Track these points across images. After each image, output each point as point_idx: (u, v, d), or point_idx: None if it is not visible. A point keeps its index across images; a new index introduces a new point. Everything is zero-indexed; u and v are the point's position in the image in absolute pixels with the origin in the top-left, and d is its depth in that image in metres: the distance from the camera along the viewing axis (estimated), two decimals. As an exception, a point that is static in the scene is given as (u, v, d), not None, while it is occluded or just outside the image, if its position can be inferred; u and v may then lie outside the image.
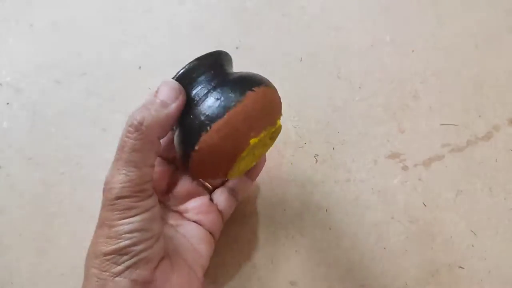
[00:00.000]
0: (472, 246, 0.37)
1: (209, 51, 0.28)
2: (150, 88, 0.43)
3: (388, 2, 0.46)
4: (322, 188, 0.39)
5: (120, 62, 0.44)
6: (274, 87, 0.29)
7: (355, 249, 0.38)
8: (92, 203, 0.40)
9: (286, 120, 0.42)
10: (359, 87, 0.42)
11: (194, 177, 0.33)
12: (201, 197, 0.33)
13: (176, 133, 0.29)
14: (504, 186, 0.39)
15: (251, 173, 0.35)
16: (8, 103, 0.43)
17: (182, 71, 0.28)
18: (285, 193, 0.39)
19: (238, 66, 0.44)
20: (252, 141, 0.27)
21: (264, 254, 0.38)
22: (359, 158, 0.40)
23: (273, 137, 0.30)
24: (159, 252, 0.27)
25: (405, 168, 0.40)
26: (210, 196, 0.34)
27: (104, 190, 0.26)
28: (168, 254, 0.28)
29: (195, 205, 0.33)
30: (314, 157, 0.41)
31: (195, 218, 0.32)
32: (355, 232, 0.38)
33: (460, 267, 0.37)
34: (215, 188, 0.35)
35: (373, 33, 0.44)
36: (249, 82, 0.27)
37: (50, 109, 0.43)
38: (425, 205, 0.39)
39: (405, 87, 0.42)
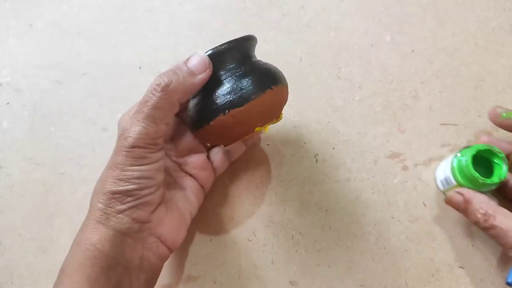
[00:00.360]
0: (472, 245, 0.37)
1: (243, 36, 0.31)
2: (150, 88, 0.43)
3: (388, 2, 0.46)
4: (322, 188, 0.40)
5: (120, 62, 0.44)
6: (287, 84, 0.32)
7: (355, 249, 0.38)
8: (92, 203, 0.40)
9: (286, 120, 0.42)
10: (359, 87, 0.42)
11: (198, 139, 0.35)
12: (200, 154, 0.36)
13: (195, 100, 0.32)
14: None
15: (247, 140, 0.39)
16: (8, 103, 0.43)
17: (215, 50, 0.30)
18: (285, 193, 0.39)
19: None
20: (257, 129, 0.31)
21: (264, 254, 0.38)
22: (359, 158, 0.40)
23: (273, 123, 0.34)
24: (158, 198, 0.30)
25: (405, 168, 0.40)
26: (207, 154, 0.37)
27: (120, 137, 0.29)
28: (164, 200, 0.32)
29: (193, 160, 0.35)
30: (314, 157, 0.41)
31: (191, 172, 0.35)
32: (355, 232, 0.38)
33: (460, 267, 0.37)
34: (212, 147, 0.38)
35: (373, 33, 0.44)
36: (270, 79, 0.30)
37: (50, 109, 0.43)
38: (425, 205, 0.39)
39: (405, 87, 0.42)
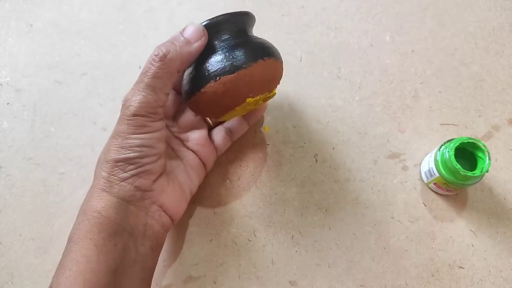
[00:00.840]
0: (472, 245, 0.37)
1: (239, 10, 0.32)
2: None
3: (388, 2, 0.46)
4: (322, 188, 0.40)
5: (120, 62, 0.44)
6: (282, 60, 0.33)
7: (355, 249, 0.38)
8: (92, 203, 0.40)
9: (286, 120, 0.42)
10: (359, 87, 0.42)
11: (191, 110, 0.35)
12: (202, 130, 0.37)
13: (189, 70, 0.32)
14: (504, 186, 0.39)
15: (249, 117, 0.39)
16: (8, 103, 0.43)
17: (211, 21, 0.31)
18: (285, 193, 0.39)
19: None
20: (248, 100, 0.31)
21: (264, 254, 0.38)
22: (359, 158, 0.40)
23: (266, 99, 0.34)
24: (159, 168, 0.31)
25: (405, 168, 0.40)
26: (209, 131, 0.38)
27: (123, 106, 0.30)
28: (166, 172, 0.33)
29: (195, 136, 0.37)
30: (314, 157, 0.41)
31: (193, 148, 0.37)
32: (355, 232, 0.38)
33: (460, 267, 0.37)
34: (215, 125, 0.39)
35: (373, 33, 0.44)
36: (263, 51, 0.31)
37: (50, 109, 0.43)
38: (425, 205, 0.39)
39: (405, 87, 0.42)
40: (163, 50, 0.29)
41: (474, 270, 0.37)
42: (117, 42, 0.45)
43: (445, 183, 0.36)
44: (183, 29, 0.31)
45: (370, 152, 0.40)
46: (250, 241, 0.38)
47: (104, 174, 0.30)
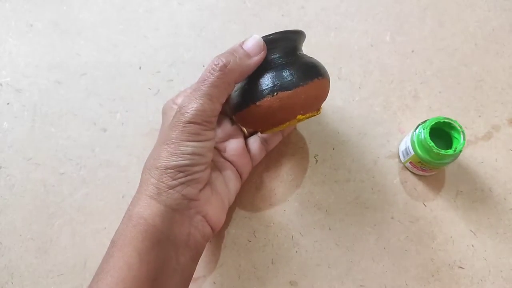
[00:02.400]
0: (472, 246, 0.37)
1: (294, 29, 0.32)
2: (150, 89, 0.43)
3: (388, 2, 0.46)
4: (322, 188, 0.40)
5: (120, 62, 0.44)
6: (329, 79, 0.34)
7: (355, 249, 0.38)
8: (92, 203, 0.40)
9: (286, 120, 0.42)
10: (359, 87, 0.42)
11: (238, 122, 0.36)
12: (238, 139, 0.37)
13: (241, 83, 0.33)
14: (504, 186, 0.39)
15: (285, 130, 0.39)
16: (8, 103, 0.43)
17: (270, 36, 0.31)
18: (286, 193, 0.39)
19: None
20: (299, 117, 0.32)
21: (264, 254, 0.38)
22: (359, 158, 0.40)
23: (312, 117, 0.34)
24: (206, 177, 0.32)
25: (405, 168, 0.40)
26: (245, 141, 0.38)
27: (177, 113, 0.30)
28: (210, 182, 0.33)
29: (232, 147, 0.36)
30: (314, 157, 0.41)
31: (230, 158, 0.36)
32: (355, 232, 0.38)
33: (460, 267, 0.37)
34: (250, 134, 0.39)
35: (373, 33, 0.44)
36: (317, 71, 0.32)
37: (50, 109, 0.43)
38: (425, 205, 0.39)
39: (405, 87, 0.42)
40: (223, 60, 0.30)
41: (474, 270, 0.37)
42: (117, 42, 0.45)
43: (420, 162, 0.36)
44: (243, 42, 0.31)
45: (370, 152, 0.40)
46: (250, 241, 0.38)
47: (152, 180, 0.29)
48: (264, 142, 0.38)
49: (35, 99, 0.43)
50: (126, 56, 0.44)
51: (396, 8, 0.45)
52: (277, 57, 0.32)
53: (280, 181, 0.40)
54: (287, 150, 0.41)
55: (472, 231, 0.38)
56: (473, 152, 0.40)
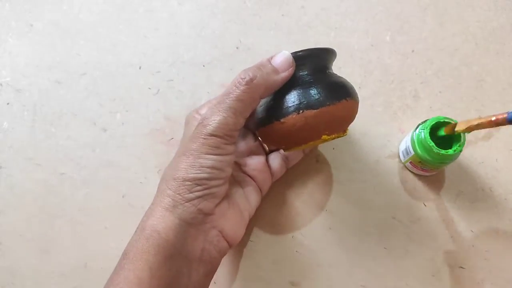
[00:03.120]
0: (473, 246, 0.37)
1: (325, 46, 0.32)
2: (150, 88, 0.43)
3: (388, 2, 0.46)
4: (322, 188, 0.39)
5: (120, 62, 0.44)
6: (359, 101, 0.33)
7: (355, 249, 0.38)
8: (92, 203, 0.40)
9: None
10: (359, 87, 0.42)
11: (261, 138, 0.35)
12: (259, 156, 0.37)
13: (267, 98, 0.32)
14: (504, 186, 0.39)
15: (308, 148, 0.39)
16: (8, 103, 0.43)
17: (300, 53, 0.31)
18: (286, 193, 0.39)
19: (238, 66, 0.44)
20: (324, 137, 0.31)
21: (265, 255, 0.38)
22: (360, 158, 0.40)
23: (337, 138, 0.33)
24: (223, 192, 0.31)
25: (405, 168, 0.40)
26: (266, 157, 0.37)
27: (199, 125, 0.29)
28: (226, 197, 0.32)
29: (252, 162, 0.36)
30: (315, 157, 0.40)
31: (251, 173, 0.36)
32: (355, 232, 0.38)
33: (461, 267, 0.37)
34: (271, 151, 0.38)
35: (373, 33, 0.44)
36: (346, 91, 0.31)
37: (50, 109, 0.43)
38: (425, 205, 0.39)
39: (405, 87, 0.42)
40: (250, 75, 0.29)
41: (475, 270, 0.37)
42: (117, 42, 0.45)
43: (420, 162, 0.36)
44: (272, 57, 0.31)
45: (371, 153, 0.40)
46: (252, 241, 0.38)
47: (169, 192, 0.29)
48: (286, 159, 0.38)
49: (35, 99, 0.43)
50: (126, 56, 0.44)
51: (396, 8, 0.45)
52: (305, 75, 0.31)
53: (281, 182, 0.40)
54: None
55: (472, 231, 0.38)
56: (473, 152, 0.40)
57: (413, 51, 0.44)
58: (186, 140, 0.30)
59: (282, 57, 0.30)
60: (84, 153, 0.41)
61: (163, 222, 0.28)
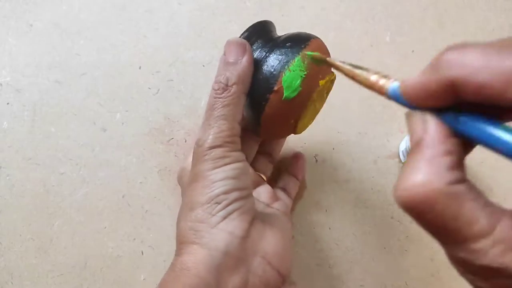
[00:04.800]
0: (472, 246, 0.37)
1: (256, 21, 0.31)
2: (150, 88, 0.43)
3: (388, 2, 0.46)
4: (322, 188, 0.39)
5: (120, 62, 0.44)
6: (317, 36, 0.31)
7: (355, 249, 0.38)
8: (92, 203, 0.40)
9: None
10: (359, 87, 0.42)
11: (265, 128, 0.31)
12: (264, 185, 0.34)
13: (249, 91, 0.30)
14: (504, 186, 0.39)
15: (296, 173, 0.38)
16: (8, 103, 0.43)
17: (246, 32, 0.30)
18: (285, 193, 0.39)
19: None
20: (320, 82, 0.29)
21: (264, 254, 0.38)
22: (359, 158, 0.40)
23: (328, 90, 0.32)
24: (251, 207, 0.28)
25: (405, 168, 0.40)
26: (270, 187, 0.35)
27: (196, 148, 0.27)
28: (259, 217, 0.29)
29: (261, 191, 0.34)
30: (314, 157, 0.40)
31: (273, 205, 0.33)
32: (355, 232, 0.38)
33: (460, 267, 0.37)
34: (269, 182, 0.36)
35: (373, 33, 0.44)
36: (306, 35, 0.30)
37: (50, 109, 0.43)
38: (425, 205, 0.39)
39: (405, 87, 0.42)
40: (222, 80, 0.28)
41: (474, 270, 0.37)
42: (117, 42, 0.45)
43: None
44: (224, 52, 0.29)
45: (370, 152, 0.40)
46: (250, 241, 0.38)
47: (189, 224, 0.26)
48: (285, 190, 0.36)
49: (35, 99, 0.43)
50: (126, 56, 0.44)
51: (396, 8, 0.45)
52: (263, 45, 0.30)
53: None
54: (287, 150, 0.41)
55: (472, 231, 0.38)
56: (473, 152, 0.40)
57: (413, 51, 0.44)
58: (190, 169, 0.28)
59: (232, 45, 0.29)
60: (84, 153, 0.41)
61: (192, 256, 0.25)
